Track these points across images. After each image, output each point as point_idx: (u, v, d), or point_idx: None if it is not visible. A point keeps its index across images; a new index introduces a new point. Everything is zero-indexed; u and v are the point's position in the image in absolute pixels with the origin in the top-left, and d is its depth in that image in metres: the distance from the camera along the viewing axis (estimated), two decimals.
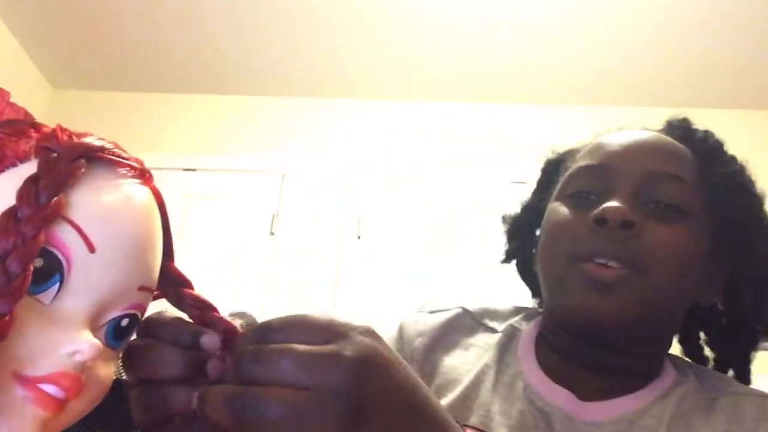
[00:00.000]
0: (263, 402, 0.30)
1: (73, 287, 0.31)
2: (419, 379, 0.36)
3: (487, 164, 2.56)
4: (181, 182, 2.66)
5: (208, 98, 2.85)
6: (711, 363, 0.66)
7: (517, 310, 0.70)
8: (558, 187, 0.63)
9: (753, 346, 0.63)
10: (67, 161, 0.31)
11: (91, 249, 0.31)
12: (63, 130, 0.33)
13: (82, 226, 0.31)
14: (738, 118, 2.66)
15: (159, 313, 0.37)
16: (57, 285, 0.30)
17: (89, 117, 2.80)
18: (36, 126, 0.33)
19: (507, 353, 0.63)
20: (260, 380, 0.31)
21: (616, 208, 0.54)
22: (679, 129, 0.65)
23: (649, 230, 0.54)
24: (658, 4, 2.21)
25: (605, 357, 0.58)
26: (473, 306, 0.70)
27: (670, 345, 0.62)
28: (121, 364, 0.36)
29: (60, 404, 0.29)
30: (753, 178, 0.64)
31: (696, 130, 0.65)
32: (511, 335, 0.65)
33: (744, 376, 0.63)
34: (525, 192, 0.73)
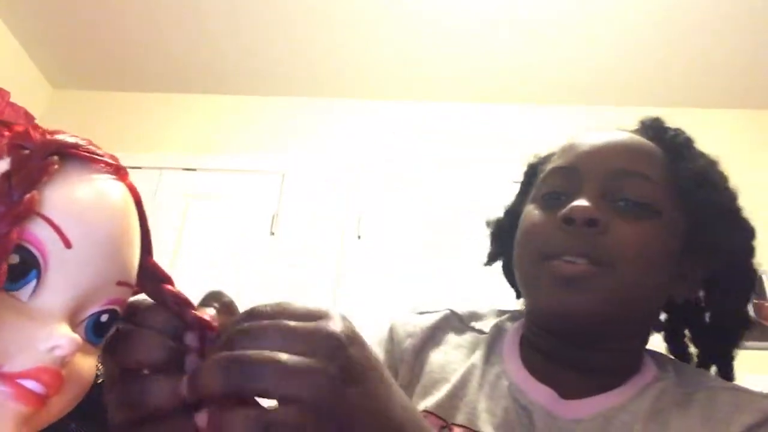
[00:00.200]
0: (262, 363, 0.30)
1: (51, 283, 0.31)
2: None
3: (487, 164, 2.56)
4: (181, 182, 2.66)
5: (208, 98, 2.85)
6: (694, 359, 0.67)
7: (503, 312, 0.72)
8: (534, 189, 0.65)
9: (735, 342, 0.65)
10: (39, 158, 0.32)
11: (68, 245, 0.31)
12: (36, 128, 0.33)
13: (58, 222, 0.31)
14: (738, 118, 2.67)
15: (143, 300, 0.37)
16: (34, 281, 0.30)
17: (89, 117, 2.81)
18: (8, 125, 0.33)
19: (493, 353, 0.65)
20: (242, 388, 0.31)
21: (582, 207, 0.55)
22: (651, 128, 0.66)
23: (615, 228, 0.55)
24: (658, 4, 2.21)
25: (584, 355, 0.59)
26: (461, 309, 0.72)
27: (646, 341, 0.64)
28: (101, 359, 0.36)
29: (41, 400, 0.29)
30: (725, 174, 0.65)
31: (667, 129, 0.66)
32: (496, 335, 0.67)
33: (727, 372, 0.64)
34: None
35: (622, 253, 0.55)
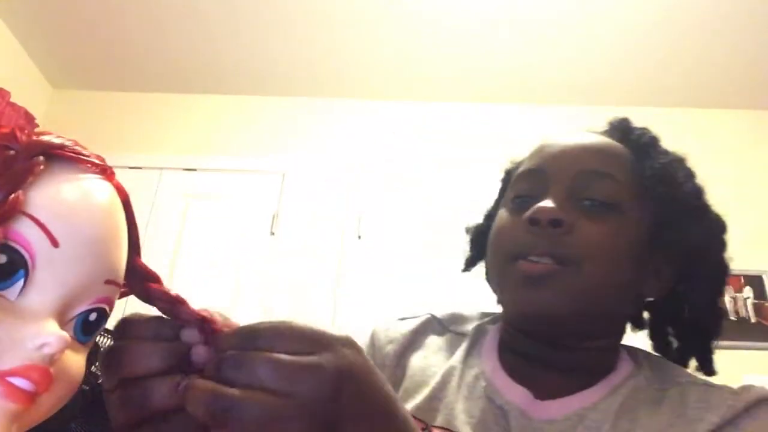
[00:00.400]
0: (243, 405, 0.30)
1: (38, 282, 0.31)
2: (393, 392, 0.37)
3: (487, 164, 2.56)
4: (181, 182, 2.66)
5: (208, 98, 2.85)
6: (674, 353, 0.67)
7: (484, 315, 0.73)
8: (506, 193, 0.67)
9: (712, 336, 0.65)
10: (25, 159, 0.32)
11: (55, 244, 0.31)
12: (22, 129, 0.34)
13: (44, 221, 0.31)
14: (738, 118, 2.67)
15: (133, 314, 0.37)
16: (21, 281, 0.31)
17: (89, 117, 2.81)
18: None
19: (471, 355, 0.66)
20: (241, 384, 0.31)
21: (546, 208, 0.57)
22: (618, 129, 0.67)
23: (581, 227, 0.57)
24: (658, 4, 2.21)
25: (559, 355, 0.60)
26: (442, 313, 0.73)
27: (620, 338, 0.64)
28: (98, 368, 0.36)
29: (30, 397, 0.29)
30: (691, 171, 0.66)
31: (633, 129, 0.67)
32: (477, 337, 0.68)
33: (706, 365, 0.65)
34: None
35: (586, 251, 0.56)
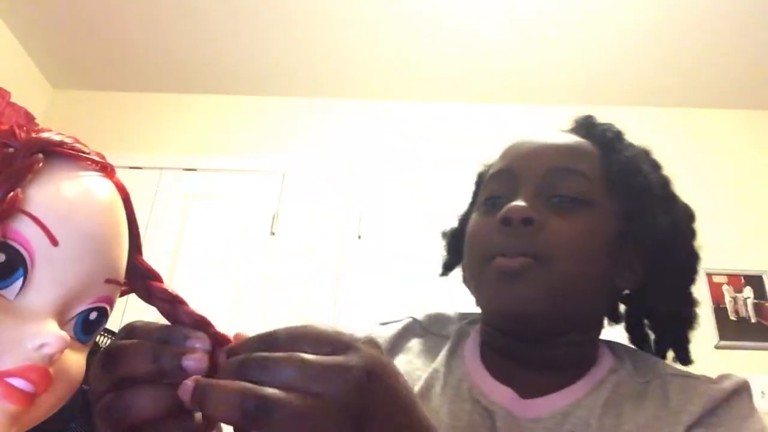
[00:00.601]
0: (277, 405, 0.29)
1: (38, 281, 0.31)
2: (413, 392, 0.37)
3: None
4: (181, 182, 2.66)
5: (208, 98, 2.85)
6: (652, 345, 0.68)
7: (464, 316, 0.73)
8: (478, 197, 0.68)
9: (687, 325, 0.66)
10: (24, 156, 0.32)
11: (54, 242, 0.31)
12: (21, 127, 0.33)
13: (44, 220, 0.31)
14: (738, 118, 2.67)
15: (139, 321, 0.37)
16: (21, 280, 0.30)
17: (89, 117, 2.81)
18: None
19: (454, 357, 0.66)
20: (267, 385, 0.31)
21: (516, 207, 0.58)
22: (583, 126, 0.69)
23: (551, 224, 0.58)
24: (658, 4, 2.21)
25: (539, 351, 0.61)
26: (422, 315, 0.74)
27: (598, 332, 0.65)
28: (90, 375, 0.35)
29: (29, 398, 0.29)
30: (657, 162, 0.67)
31: (598, 125, 0.68)
32: (458, 339, 0.68)
33: (683, 355, 0.66)
34: None
35: (558, 247, 0.57)
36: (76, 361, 0.33)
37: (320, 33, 2.48)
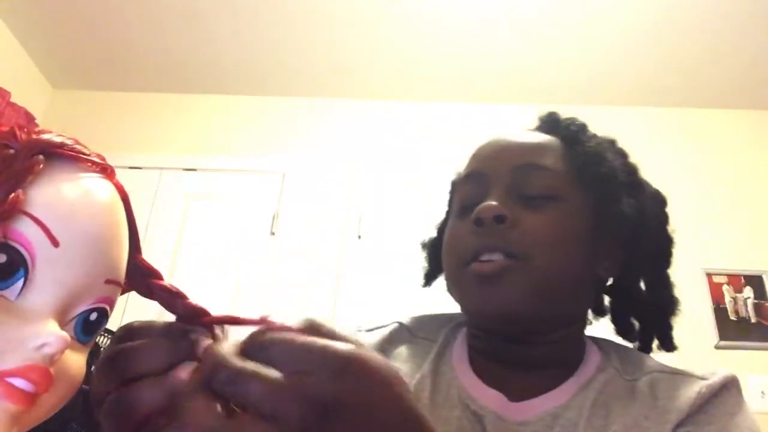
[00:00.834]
0: (229, 428, 0.29)
1: (39, 282, 0.31)
2: (417, 419, 0.33)
3: None
4: (181, 182, 2.66)
5: (208, 98, 2.85)
6: (637, 335, 0.69)
7: (451, 318, 0.73)
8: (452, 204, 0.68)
9: (667, 311, 0.66)
10: (24, 157, 0.32)
11: (55, 243, 0.31)
12: (21, 128, 0.33)
13: (44, 221, 0.31)
14: (738, 118, 2.67)
15: (135, 322, 0.37)
16: (21, 281, 0.30)
17: (89, 117, 2.81)
18: None
19: (441, 362, 0.66)
20: (232, 400, 0.30)
21: (487, 205, 0.58)
22: (548, 122, 0.70)
23: (523, 220, 0.58)
24: (658, 4, 2.21)
25: (526, 350, 0.61)
26: (408, 319, 0.73)
27: (583, 327, 0.65)
28: (92, 379, 0.35)
29: (30, 398, 0.29)
30: (623, 150, 0.68)
31: (561, 120, 0.69)
32: (445, 344, 0.68)
33: (666, 342, 0.66)
34: None
35: (533, 242, 0.57)
36: (76, 361, 0.33)
37: (320, 33, 2.48)
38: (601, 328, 0.70)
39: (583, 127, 0.67)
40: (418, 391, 0.62)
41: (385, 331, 0.71)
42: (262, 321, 0.34)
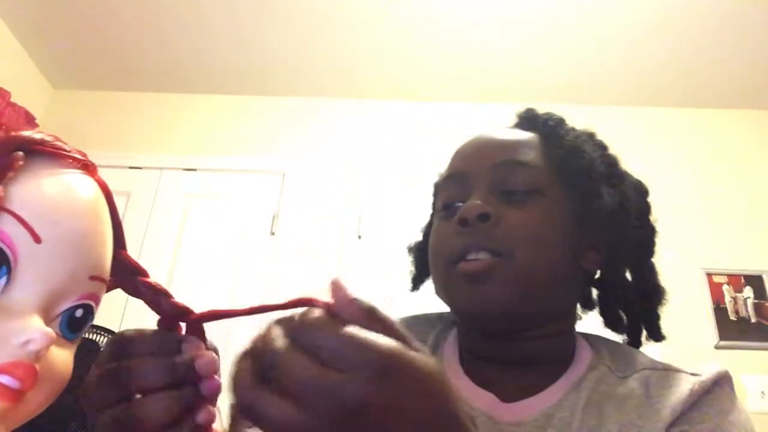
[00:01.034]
0: (265, 408, 0.30)
1: (22, 279, 0.31)
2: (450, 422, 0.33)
3: None
4: (181, 182, 2.66)
5: (208, 98, 2.85)
6: (625, 327, 0.69)
7: (442, 316, 0.72)
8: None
9: (653, 299, 0.66)
10: (3, 154, 0.31)
11: (37, 240, 0.31)
12: (0, 126, 0.33)
13: (26, 217, 0.31)
14: (738, 118, 2.67)
15: (129, 331, 0.37)
16: (4, 278, 0.30)
17: (89, 117, 2.80)
18: None
19: None
20: (275, 382, 0.31)
21: (470, 204, 0.59)
22: (526, 119, 0.70)
23: (506, 217, 0.58)
24: (658, 4, 2.21)
25: (517, 348, 0.61)
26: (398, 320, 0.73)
27: (573, 321, 0.65)
28: (92, 385, 0.35)
29: (16, 395, 0.29)
30: (601, 142, 0.68)
31: (539, 115, 0.69)
32: (435, 345, 0.68)
33: (654, 332, 0.67)
34: None
35: (516, 239, 0.57)
36: (62, 358, 0.33)
37: (320, 33, 2.48)
38: (591, 323, 0.70)
39: (560, 122, 0.68)
40: None
41: None
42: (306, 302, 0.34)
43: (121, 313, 2.06)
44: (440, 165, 0.74)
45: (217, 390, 0.36)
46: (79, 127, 2.73)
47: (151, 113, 2.83)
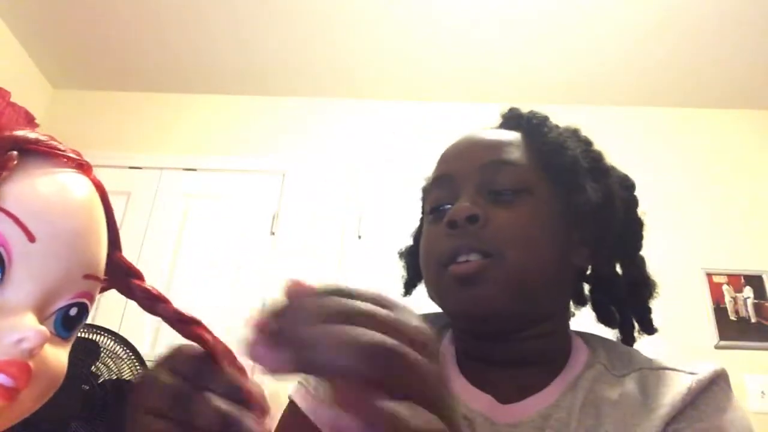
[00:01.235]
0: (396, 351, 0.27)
1: (16, 278, 0.31)
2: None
3: None
4: (181, 182, 2.66)
5: (208, 98, 2.85)
6: (618, 322, 0.69)
7: (438, 317, 0.72)
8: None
9: (644, 293, 0.67)
10: None
11: (31, 238, 0.31)
12: None
13: (20, 216, 0.31)
14: (738, 118, 2.67)
15: (186, 348, 0.37)
16: None
17: (89, 117, 2.81)
18: None
19: None
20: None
21: (458, 207, 0.59)
22: (510, 118, 0.70)
23: (495, 218, 0.58)
24: (658, 4, 2.21)
25: (513, 348, 0.60)
26: None
27: (566, 318, 0.65)
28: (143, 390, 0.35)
29: (10, 393, 0.29)
30: (586, 138, 0.68)
31: (522, 114, 0.69)
32: None
33: (645, 325, 0.67)
34: None
35: (506, 239, 0.57)
36: (57, 356, 0.33)
37: (320, 33, 2.48)
38: (584, 319, 0.70)
39: (544, 120, 0.68)
40: None
41: None
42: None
43: (121, 314, 2.06)
44: None
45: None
46: (79, 127, 2.73)
47: (151, 113, 2.84)
